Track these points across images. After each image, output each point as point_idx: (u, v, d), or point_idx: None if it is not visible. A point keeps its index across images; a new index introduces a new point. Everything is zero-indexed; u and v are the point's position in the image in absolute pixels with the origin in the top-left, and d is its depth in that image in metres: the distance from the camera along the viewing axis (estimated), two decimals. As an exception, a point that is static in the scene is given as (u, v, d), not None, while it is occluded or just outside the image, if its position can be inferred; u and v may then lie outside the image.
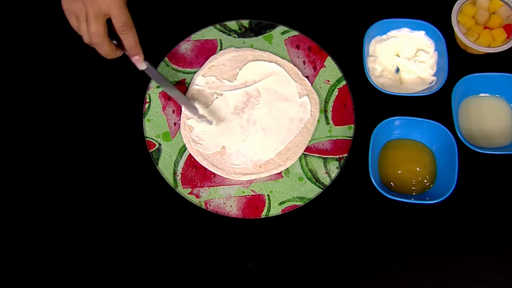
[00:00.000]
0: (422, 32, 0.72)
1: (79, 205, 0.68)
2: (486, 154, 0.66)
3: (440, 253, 0.66)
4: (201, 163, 0.69)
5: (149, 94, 0.71)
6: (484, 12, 0.70)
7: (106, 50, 0.61)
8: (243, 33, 0.74)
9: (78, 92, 0.73)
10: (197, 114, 0.69)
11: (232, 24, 0.74)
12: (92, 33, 0.59)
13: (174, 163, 0.69)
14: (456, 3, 0.70)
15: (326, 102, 0.71)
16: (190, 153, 0.69)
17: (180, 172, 0.69)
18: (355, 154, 0.69)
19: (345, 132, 0.70)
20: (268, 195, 0.68)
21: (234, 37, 0.74)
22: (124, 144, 0.70)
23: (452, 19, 0.70)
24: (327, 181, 0.68)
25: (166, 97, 0.71)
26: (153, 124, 0.70)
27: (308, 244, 0.66)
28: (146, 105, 0.71)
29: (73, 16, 0.60)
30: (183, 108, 0.71)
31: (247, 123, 0.70)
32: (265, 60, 0.72)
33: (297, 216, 0.67)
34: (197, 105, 0.69)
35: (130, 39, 0.61)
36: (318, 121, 0.71)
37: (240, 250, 0.66)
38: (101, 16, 0.58)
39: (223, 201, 0.67)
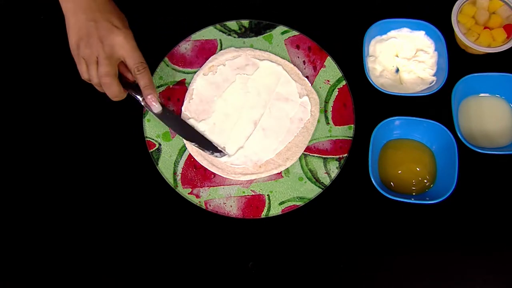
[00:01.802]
0: (422, 32, 0.72)
1: (79, 205, 0.68)
2: (486, 154, 0.66)
3: (440, 253, 0.66)
4: (201, 163, 0.69)
5: (149, 94, 0.71)
6: (484, 12, 0.70)
7: (116, 91, 0.62)
8: (243, 33, 0.74)
9: (78, 92, 0.73)
10: (221, 153, 0.69)
11: (232, 24, 0.74)
12: (103, 74, 0.60)
13: (174, 163, 0.69)
14: (456, 3, 0.70)
15: (326, 102, 0.71)
16: (190, 153, 0.69)
17: (180, 172, 0.69)
18: (355, 154, 0.69)
19: (345, 132, 0.70)
20: (268, 195, 0.68)
21: (234, 37, 0.74)
22: (124, 144, 0.70)
23: (452, 19, 0.70)
24: (327, 181, 0.68)
25: (166, 97, 0.71)
26: (153, 124, 0.70)
27: (308, 244, 0.66)
28: (146, 105, 0.71)
29: (83, 61, 0.61)
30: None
31: (247, 123, 0.70)
32: (265, 60, 0.72)
33: (297, 216, 0.67)
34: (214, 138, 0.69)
35: (145, 78, 0.63)
36: (318, 121, 0.71)
37: (240, 250, 0.66)
38: (114, 58, 0.61)
39: (223, 201, 0.67)
